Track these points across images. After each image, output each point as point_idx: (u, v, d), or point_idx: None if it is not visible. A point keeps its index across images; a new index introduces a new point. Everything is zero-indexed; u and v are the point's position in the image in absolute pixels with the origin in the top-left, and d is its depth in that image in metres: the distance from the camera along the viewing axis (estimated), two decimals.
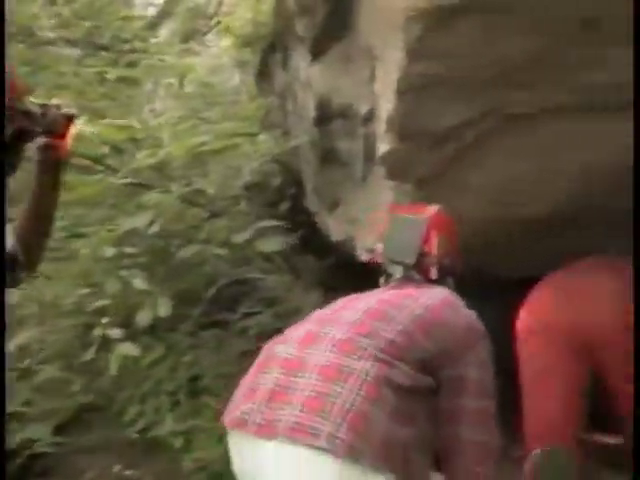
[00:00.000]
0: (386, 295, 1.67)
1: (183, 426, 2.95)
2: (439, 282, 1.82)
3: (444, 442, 1.56)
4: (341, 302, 1.70)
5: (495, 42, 1.93)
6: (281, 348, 1.56)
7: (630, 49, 2.11)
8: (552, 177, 2.78)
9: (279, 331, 1.69)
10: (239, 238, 3.33)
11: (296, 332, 1.60)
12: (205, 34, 6.61)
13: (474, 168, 2.67)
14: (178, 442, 2.90)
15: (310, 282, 3.75)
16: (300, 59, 3.17)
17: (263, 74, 4.11)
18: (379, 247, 1.90)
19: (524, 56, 2.02)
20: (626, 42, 2.06)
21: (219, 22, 5.90)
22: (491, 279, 3.24)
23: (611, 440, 2.63)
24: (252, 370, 1.60)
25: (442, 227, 1.91)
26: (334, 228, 3.39)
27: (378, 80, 2.44)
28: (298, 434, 1.36)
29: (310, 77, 3.04)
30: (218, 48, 5.90)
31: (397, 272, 1.82)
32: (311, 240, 3.95)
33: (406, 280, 1.80)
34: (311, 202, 3.67)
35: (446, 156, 2.56)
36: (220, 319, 3.55)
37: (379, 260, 1.89)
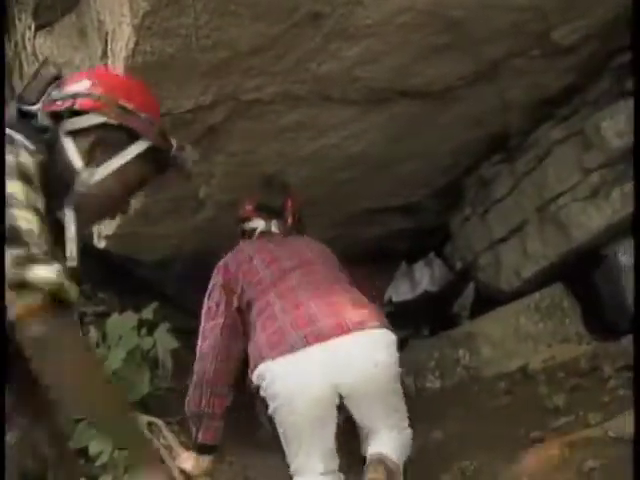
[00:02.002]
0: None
1: None
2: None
3: None
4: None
5: (223, 26, 1.92)
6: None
7: (355, 43, 2.27)
8: (291, 162, 2.90)
9: None
10: None
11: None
12: None
13: (217, 152, 2.67)
14: None
15: None
16: (25, 28, 2.86)
17: None
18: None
19: (254, 43, 2.04)
20: (350, 37, 2.21)
21: None
22: None
23: None
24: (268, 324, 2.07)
25: (295, 201, 2.51)
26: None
27: (110, 57, 2.29)
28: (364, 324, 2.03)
29: (38, 49, 2.76)
30: None
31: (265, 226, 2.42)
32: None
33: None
34: None
35: (188, 139, 2.50)
36: None
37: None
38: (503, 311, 3.39)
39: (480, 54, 2.53)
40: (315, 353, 1.98)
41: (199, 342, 2.16)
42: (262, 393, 2.04)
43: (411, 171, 3.37)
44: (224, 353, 2.13)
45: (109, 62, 2.30)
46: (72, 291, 1.16)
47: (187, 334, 3.26)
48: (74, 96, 1.32)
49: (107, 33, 2.25)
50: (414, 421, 2.81)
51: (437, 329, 3.89)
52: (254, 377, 2.05)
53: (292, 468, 2.05)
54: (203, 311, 2.20)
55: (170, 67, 2.04)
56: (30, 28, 2.77)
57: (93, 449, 2.39)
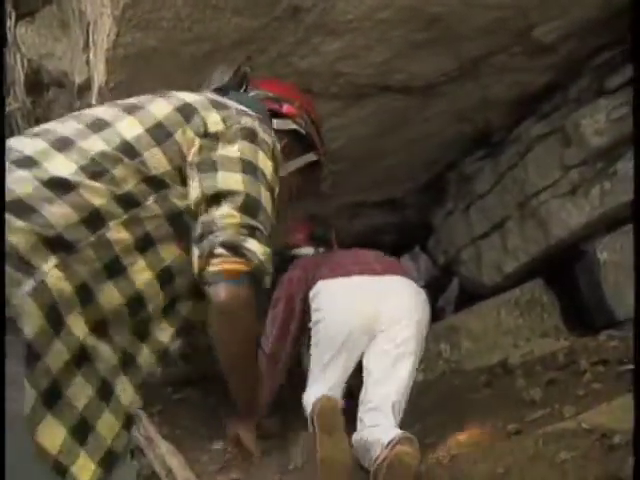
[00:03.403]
0: None
1: None
2: None
3: None
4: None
5: (204, 20, 1.92)
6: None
7: (336, 38, 2.28)
8: None
9: None
10: None
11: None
12: None
13: None
14: None
15: None
16: (5, 17, 2.84)
17: None
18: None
19: (235, 37, 2.04)
20: (331, 32, 2.22)
21: None
22: None
23: None
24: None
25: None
26: None
27: (92, 48, 2.28)
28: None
29: (18, 39, 2.75)
30: None
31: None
32: None
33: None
34: None
35: None
36: None
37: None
38: (484, 306, 3.42)
39: (461, 51, 2.55)
40: (367, 281, 2.46)
41: (267, 339, 2.64)
42: (312, 311, 2.47)
43: (394, 166, 3.39)
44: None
45: (91, 54, 2.30)
46: (269, 278, 1.20)
47: None
48: (279, 100, 1.50)
49: (88, 24, 2.25)
50: None
51: None
52: (310, 298, 2.50)
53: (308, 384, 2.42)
54: (269, 319, 2.65)
55: (152, 59, 2.05)
56: (11, 17, 2.76)
57: None
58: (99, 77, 2.11)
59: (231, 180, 1.15)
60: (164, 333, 1.16)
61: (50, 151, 1.10)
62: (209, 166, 1.15)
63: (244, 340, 1.18)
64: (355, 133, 2.89)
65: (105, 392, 1.06)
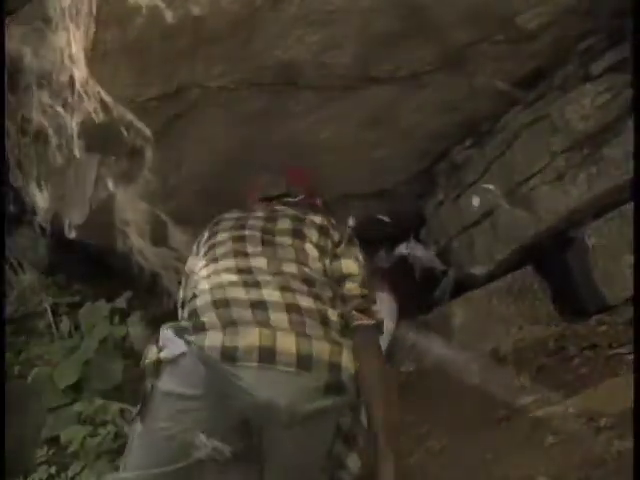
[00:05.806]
0: None
1: None
2: None
3: None
4: None
5: (181, 8, 1.91)
6: None
7: (319, 29, 2.27)
8: (261, 149, 2.90)
9: None
10: None
11: None
12: None
13: (185, 140, 2.66)
14: None
15: (26, 264, 3.46)
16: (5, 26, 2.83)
17: None
18: None
19: (216, 29, 2.03)
20: (313, 23, 2.21)
21: None
22: None
23: None
24: None
25: None
26: (41, 205, 3.14)
27: (74, 45, 2.28)
28: None
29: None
30: None
31: None
32: (24, 218, 3.64)
33: None
34: (15, 177, 3.35)
35: (155, 127, 2.51)
36: None
37: None
38: (476, 294, 3.42)
39: (445, 39, 2.54)
40: None
41: None
42: None
43: (383, 157, 3.38)
44: None
45: (73, 50, 2.29)
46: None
47: (161, 322, 3.26)
48: (310, 197, 2.24)
49: (70, 21, 2.24)
50: None
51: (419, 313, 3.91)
52: None
53: None
54: None
55: (132, 54, 2.04)
56: None
57: (64, 437, 2.40)
58: (80, 74, 2.10)
59: (354, 266, 1.86)
60: None
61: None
62: (344, 256, 1.88)
63: (376, 366, 1.70)
64: (341, 125, 2.88)
65: None
